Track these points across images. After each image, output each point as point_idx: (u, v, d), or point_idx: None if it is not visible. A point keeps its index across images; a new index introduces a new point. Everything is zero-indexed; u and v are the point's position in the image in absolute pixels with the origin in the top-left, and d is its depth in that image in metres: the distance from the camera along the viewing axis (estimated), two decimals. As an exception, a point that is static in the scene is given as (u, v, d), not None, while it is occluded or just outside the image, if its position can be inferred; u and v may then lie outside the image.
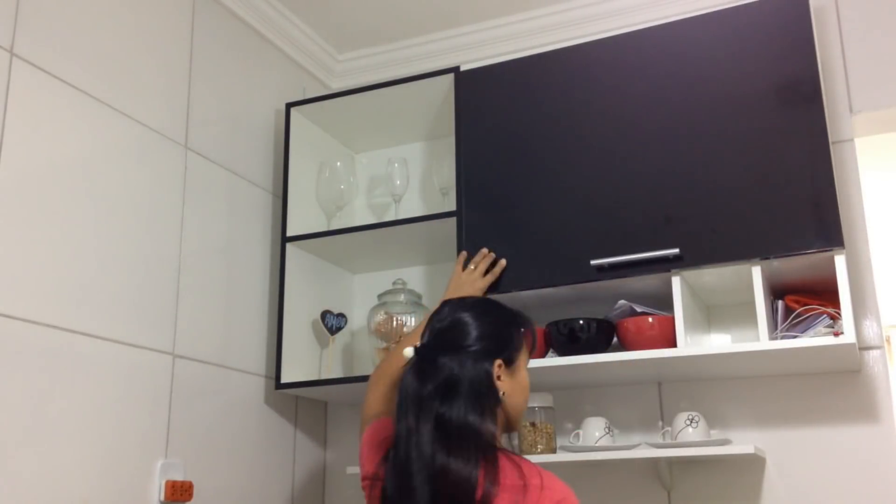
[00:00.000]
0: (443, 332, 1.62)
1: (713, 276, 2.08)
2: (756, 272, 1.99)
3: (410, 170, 2.63)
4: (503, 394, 1.57)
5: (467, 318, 1.62)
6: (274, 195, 2.59)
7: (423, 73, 2.51)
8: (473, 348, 1.57)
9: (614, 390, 2.36)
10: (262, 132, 2.60)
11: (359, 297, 2.72)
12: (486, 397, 1.55)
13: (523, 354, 1.66)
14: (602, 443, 2.17)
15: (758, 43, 2.10)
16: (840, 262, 1.93)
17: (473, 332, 1.60)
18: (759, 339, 1.97)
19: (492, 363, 1.57)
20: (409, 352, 1.61)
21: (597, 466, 2.30)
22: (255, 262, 2.49)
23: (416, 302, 2.51)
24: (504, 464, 1.49)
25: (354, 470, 2.44)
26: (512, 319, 1.67)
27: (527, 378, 1.66)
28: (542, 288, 2.19)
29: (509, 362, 1.61)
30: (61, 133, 1.90)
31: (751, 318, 2.01)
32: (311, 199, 2.62)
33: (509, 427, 1.65)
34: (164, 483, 2.01)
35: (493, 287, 2.19)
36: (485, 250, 2.20)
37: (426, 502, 1.45)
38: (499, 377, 1.58)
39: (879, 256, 2.36)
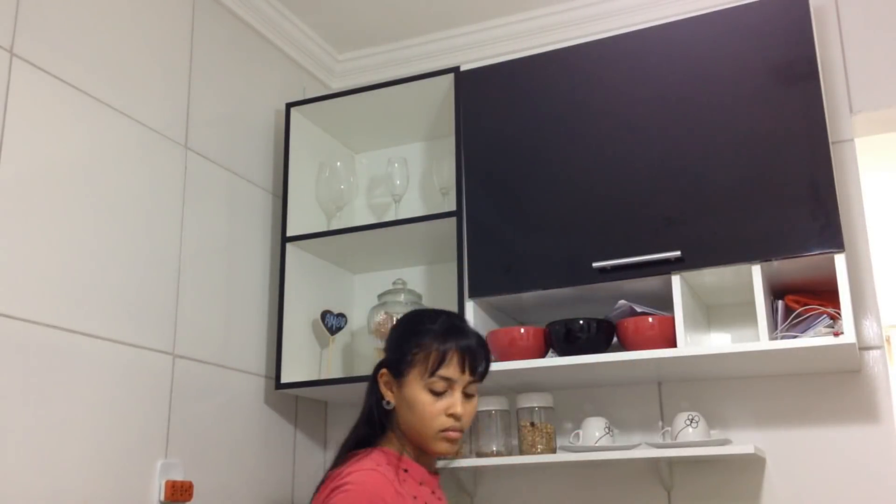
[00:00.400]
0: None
1: (713, 276, 2.08)
2: (756, 272, 1.99)
3: (410, 170, 2.63)
4: (387, 402, 1.63)
5: (393, 326, 1.77)
6: (274, 195, 2.59)
7: (423, 73, 2.51)
8: (375, 368, 1.69)
9: (614, 390, 2.36)
10: (262, 132, 2.60)
11: (359, 297, 2.72)
12: (366, 400, 1.66)
13: (416, 372, 1.60)
14: (602, 443, 2.17)
15: (758, 43, 2.10)
16: (840, 262, 1.93)
17: (386, 341, 1.73)
18: (759, 339, 1.97)
19: (378, 369, 1.67)
20: None
21: (597, 466, 2.30)
22: (255, 262, 2.49)
23: (416, 302, 2.52)
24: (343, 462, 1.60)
25: (354, 470, 2.44)
26: (416, 333, 1.64)
27: (418, 398, 1.59)
28: (544, 290, 2.19)
29: (397, 374, 1.63)
30: (61, 133, 1.90)
31: (751, 318, 2.01)
32: (311, 199, 2.62)
33: (413, 444, 1.63)
34: (164, 483, 2.01)
35: (499, 288, 2.21)
36: None
37: None
38: (388, 386, 1.64)
39: (879, 256, 2.36)
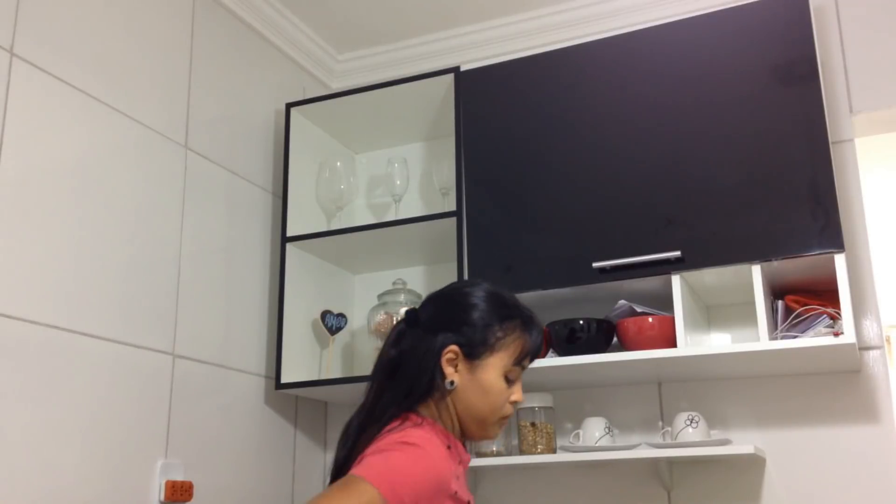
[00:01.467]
0: (429, 301, 1.60)
1: (713, 275, 2.08)
2: (756, 272, 1.99)
3: (410, 170, 2.63)
4: (451, 383, 1.48)
5: (456, 297, 1.57)
6: (274, 195, 2.59)
7: (423, 73, 2.51)
8: (435, 326, 1.51)
9: (614, 390, 2.36)
10: (262, 132, 2.60)
11: (359, 297, 2.72)
12: (419, 376, 1.49)
13: (498, 358, 1.50)
14: (602, 443, 2.17)
15: (758, 43, 2.10)
16: (840, 262, 1.93)
17: (446, 312, 1.54)
18: (759, 339, 1.97)
19: (443, 344, 1.49)
20: (402, 311, 1.57)
21: (597, 466, 2.30)
22: (255, 262, 2.49)
23: (415, 302, 2.51)
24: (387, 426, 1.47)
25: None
26: (502, 318, 1.52)
27: (495, 385, 1.49)
28: (544, 290, 2.19)
29: (471, 356, 1.49)
30: (61, 133, 1.90)
31: (751, 318, 2.01)
32: (311, 199, 2.62)
33: (464, 432, 1.52)
34: (164, 483, 2.01)
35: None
36: None
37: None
38: (452, 364, 1.49)
39: (879, 256, 2.36)
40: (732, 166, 2.06)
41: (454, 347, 1.49)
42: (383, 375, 1.53)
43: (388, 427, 1.45)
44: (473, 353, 1.49)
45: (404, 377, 1.50)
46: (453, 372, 1.49)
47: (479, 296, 1.55)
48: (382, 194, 2.76)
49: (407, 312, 1.57)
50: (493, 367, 1.50)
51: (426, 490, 1.38)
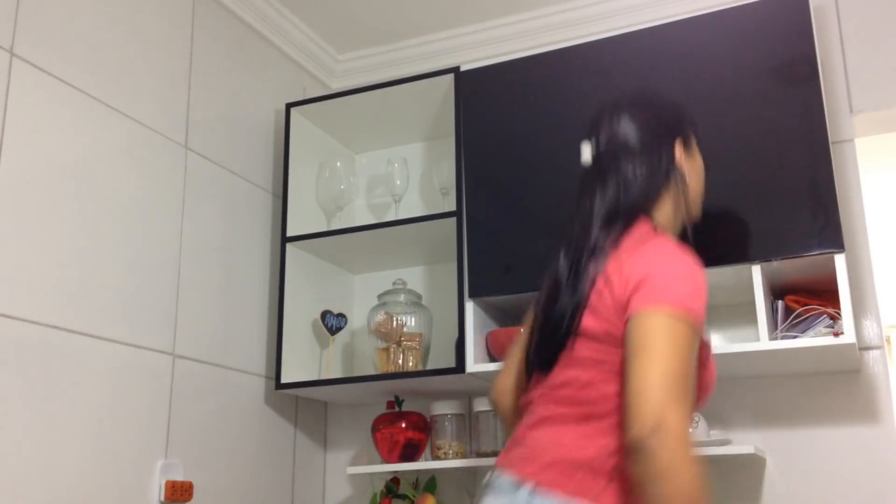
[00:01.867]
0: (614, 134, 1.56)
1: (713, 275, 2.06)
2: (756, 272, 1.99)
3: (410, 170, 2.63)
4: (684, 174, 1.53)
5: (633, 111, 1.58)
6: (274, 195, 2.59)
7: (423, 73, 2.51)
8: (649, 139, 1.53)
9: (614, 390, 2.35)
10: (262, 132, 2.60)
11: (359, 297, 2.72)
12: (658, 183, 1.51)
13: (695, 144, 1.60)
14: (602, 443, 2.17)
15: (758, 43, 2.10)
16: (840, 262, 1.93)
17: (649, 122, 1.56)
18: (759, 339, 1.97)
19: (671, 145, 1.53)
20: (586, 154, 1.58)
21: (597, 466, 2.30)
22: (255, 262, 2.49)
23: (416, 302, 2.51)
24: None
25: (355, 470, 2.44)
26: (682, 107, 1.62)
27: (702, 165, 1.60)
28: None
29: (687, 144, 1.57)
30: (61, 133, 1.90)
31: (751, 318, 2.01)
32: (311, 199, 2.62)
33: (689, 214, 1.57)
34: (164, 483, 2.01)
35: (499, 288, 2.20)
36: None
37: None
38: (681, 158, 1.54)
39: (879, 256, 2.36)
40: (732, 166, 2.05)
41: (678, 143, 1.54)
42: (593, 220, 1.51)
43: (627, 231, 1.45)
44: (688, 143, 1.57)
45: (632, 193, 1.50)
46: (683, 164, 1.54)
47: (652, 98, 1.61)
48: (382, 194, 2.76)
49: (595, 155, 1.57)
50: (697, 153, 1.59)
51: (704, 301, 1.38)
